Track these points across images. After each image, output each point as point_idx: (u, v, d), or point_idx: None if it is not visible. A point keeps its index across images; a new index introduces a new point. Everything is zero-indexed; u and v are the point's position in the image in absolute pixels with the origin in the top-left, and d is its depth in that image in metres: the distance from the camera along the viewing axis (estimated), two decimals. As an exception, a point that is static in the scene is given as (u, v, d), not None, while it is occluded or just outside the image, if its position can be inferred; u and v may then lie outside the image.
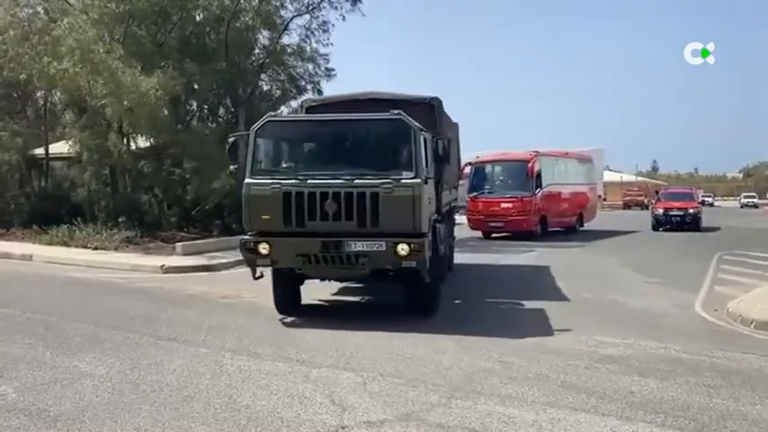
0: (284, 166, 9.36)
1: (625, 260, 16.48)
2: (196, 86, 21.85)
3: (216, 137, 20.64)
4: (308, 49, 23.77)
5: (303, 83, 24.33)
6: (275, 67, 24.31)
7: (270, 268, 8.88)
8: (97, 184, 20.85)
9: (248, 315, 9.28)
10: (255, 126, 8.91)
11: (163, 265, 14.32)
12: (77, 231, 18.20)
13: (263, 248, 8.40)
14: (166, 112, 19.93)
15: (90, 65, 17.23)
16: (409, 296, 9.21)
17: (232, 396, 5.75)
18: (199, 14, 21.98)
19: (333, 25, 23.06)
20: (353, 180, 8.34)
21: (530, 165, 22.85)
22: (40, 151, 23.93)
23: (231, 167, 9.78)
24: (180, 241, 17.46)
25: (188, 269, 14.36)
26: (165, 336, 8.05)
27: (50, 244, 17.96)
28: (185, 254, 16.11)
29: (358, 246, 8.24)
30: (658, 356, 7.18)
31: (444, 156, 9.28)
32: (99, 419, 5.18)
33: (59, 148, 23.59)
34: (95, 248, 17.05)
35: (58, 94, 22.23)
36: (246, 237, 8.65)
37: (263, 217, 8.45)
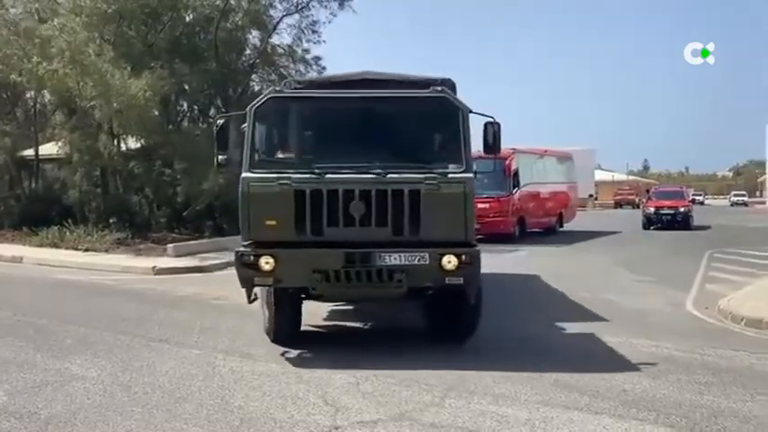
0: (293, 155, 7.51)
1: (618, 259, 16.52)
2: (186, 87, 21.79)
3: (206, 137, 20.53)
4: (299, 51, 23.78)
5: (295, 82, 24.28)
6: (266, 67, 24.27)
7: (264, 288, 7.19)
8: (88, 185, 20.76)
9: (241, 316, 9.22)
10: (255, 104, 7.07)
11: (154, 267, 14.27)
12: (68, 233, 18.13)
13: (266, 263, 6.62)
14: (156, 113, 19.90)
15: (80, 66, 17.16)
16: (442, 319, 7.57)
17: (225, 397, 5.72)
18: (189, 15, 21.92)
19: (324, 24, 23.11)
20: (386, 174, 6.73)
21: (506, 163, 21.44)
22: (29, 152, 23.80)
23: (219, 158, 7.66)
24: (171, 242, 17.40)
25: (180, 270, 14.31)
26: (156, 337, 8.01)
27: (41, 246, 17.88)
28: (177, 255, 16.05)
29: (393, 258, 6.64)
30: (650, 354, 7.20)
31: (495, 145, 7.40)
32: (90, 422, 5.15)
33: (49, 149, 23.48)
34: (86, 250, 16.97)
35: (48, 95, 22.13)
36: (243, 248, 6.84)
37: (268, 222, 6.76)
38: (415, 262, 6.65)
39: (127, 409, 5.45)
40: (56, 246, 17.71)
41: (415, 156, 7.16)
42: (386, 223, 6.70)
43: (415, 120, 7.36)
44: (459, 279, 6.67)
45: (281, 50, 24.21)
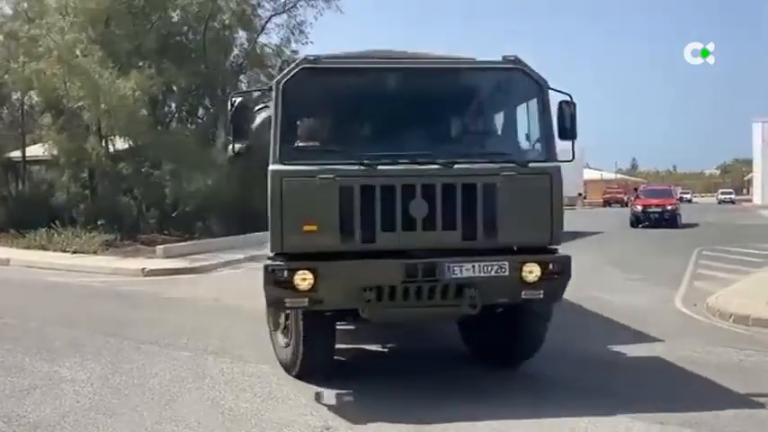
0: (334, 142, 6.03)
1: (607, 257, 16.58)
2: (174, 88, 21.73)
3: (195, 138, 20.53)
4: (287, 51, 23.75)
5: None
6: (254, 68, 24.25)
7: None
8: (76, 186, 20.63)
9: (231, 318, 9.20)
10: (283, 77, 5.60)
11: (144, 268, 14.18)
12: (56, 235, 17.97)
13: (304, 279, 5.24)
14: (145, 114, 19.80)
15: (67, 66, 17.05)
16: (495, 339, 6.37)
17: (215, 399, 5.71)
18: (176, 14, 21.86)
19: (311, 24, 23.18)
20: (453, 165, 5.50)
21: None
22: (16, 154, 23.62)
23: (236, 146, 6.11)
24: (160, 244, 17.30)
25: (169, 272, 14.22)
26: (146, 340, 7.95)
27: (28, 248, 17.70)
28: (166, 256, 15.95)
29: (465, 270, 5.38)
30: (639, 351, 7.24)
31: (572, 129, 5.90)
32: (80, 425, 5.12)
33: (36, 150, 23.32)
34: (74, 252, 16.83)
35: (35, 96, 21.98)
36: (273, 260, 5.48)
37: (306, 227, 5.36)
38: (492, 273, 5.42)
39: (117, 411, 5.42)
40: (44, 248, 17.54)
41: (484, 142, 6.12)
42: (455, 225, 5.46)
43: (483, 97, 6.18)
44: (538, 293, 5.50)
45: (269, 51, 24.26)
